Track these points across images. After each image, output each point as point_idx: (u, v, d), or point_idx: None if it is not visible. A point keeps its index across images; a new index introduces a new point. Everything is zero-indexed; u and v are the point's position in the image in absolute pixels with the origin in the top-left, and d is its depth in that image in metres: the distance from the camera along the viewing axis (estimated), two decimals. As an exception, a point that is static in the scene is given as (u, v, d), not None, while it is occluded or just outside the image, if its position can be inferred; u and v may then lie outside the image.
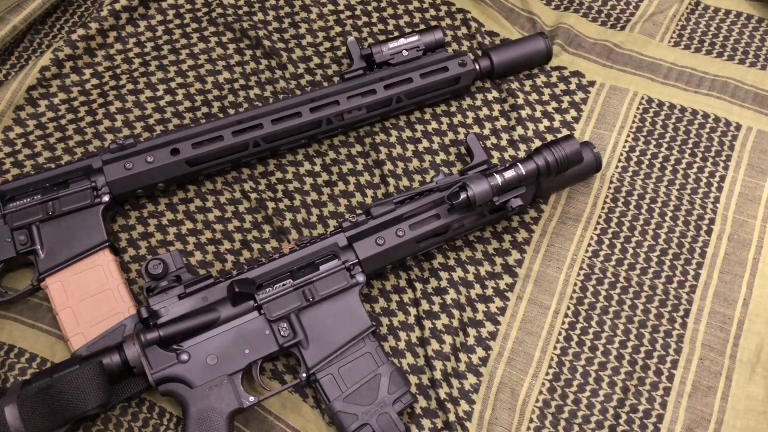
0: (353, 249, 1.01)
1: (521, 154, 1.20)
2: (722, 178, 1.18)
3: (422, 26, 1.33)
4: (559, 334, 1.07)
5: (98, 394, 0.88)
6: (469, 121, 1.23)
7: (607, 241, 1.14)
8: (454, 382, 1.03)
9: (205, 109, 1.24)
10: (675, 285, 1.10)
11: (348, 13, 1.34)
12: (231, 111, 1.24)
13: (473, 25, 1.32)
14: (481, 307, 1.09)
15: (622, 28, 1.33)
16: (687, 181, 1.18)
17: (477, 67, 1.21)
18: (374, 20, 1.33)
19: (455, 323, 1.06)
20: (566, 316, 1.08)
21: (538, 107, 1.24)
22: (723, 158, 1.20)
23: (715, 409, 1.01)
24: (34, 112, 1.20)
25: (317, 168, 1.20)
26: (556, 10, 1.36)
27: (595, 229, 1.15)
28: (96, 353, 0.92)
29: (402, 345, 1.06)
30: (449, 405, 1.01)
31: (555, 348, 1.06)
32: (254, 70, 1.28)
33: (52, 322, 1.05)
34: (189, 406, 0.92)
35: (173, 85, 1.25)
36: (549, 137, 1.22)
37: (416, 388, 1.03)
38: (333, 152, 1.21)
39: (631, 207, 1.16)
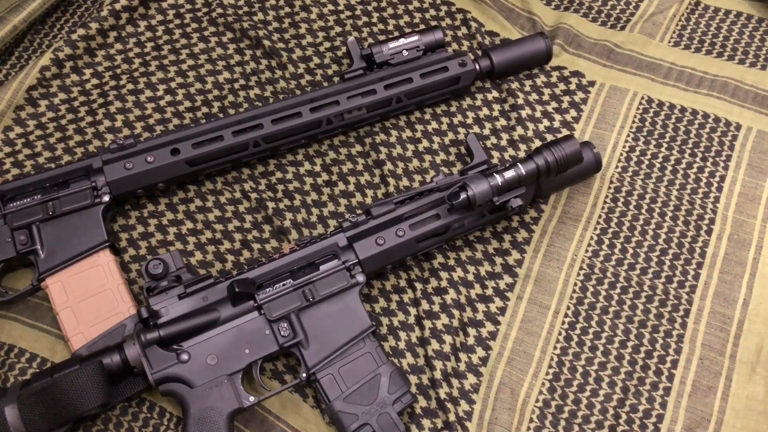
0: (353, 249, 1.01)
1: (521, 154, 1.20)
2: (722, 178, 1.18)
3: (422, 26, 1.33)
4: (559, 334, 1.07)
5: (98, 394, 0.88)
6: (469, 121, 1.23)
7: (607, 241, 1.14)
8: (454, 382, 1.03)
9: (205, 109, 1.24)
10: (675, 285, 1.10)
11: (348, 13, 1.34)
12: (231, 111, 1.24)
13: (473, 25, 1.32)
14: (481, 307, 1.09)
15: (622, 28, 1.33)
16: (687, 181, 1.18)
17: (477, 67, 1.21)
18: (374, 20, 1.34)
19: (455, 323, 1.06)
20: (566, 316, 1.08)
21: (538, 107, 1.24)
22: (723, 158, 1.20)
23: (715, 409, 1.02)
24: (34, 112, 1.20)
25: (317, 168, 1.20)
26: (556, 10, 1.36)
27: (595, 229, 1.15)
28: (96, 353, 0.92)
29: (402, 345, 1.06)
30: (449, 405, 1.01)
31: (555, 348, 1.06)
32: (254, 70, 1.28)
33: (53, 322, 1.05)
34: (189, 406, 0.92)
35: (173, 85, 1.25)
36: (549, 137, 1.22)
37: (416, 388, 1.03)
38: (333, 152, 1.21)
39: (631, 207, 1.16)
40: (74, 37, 1.24)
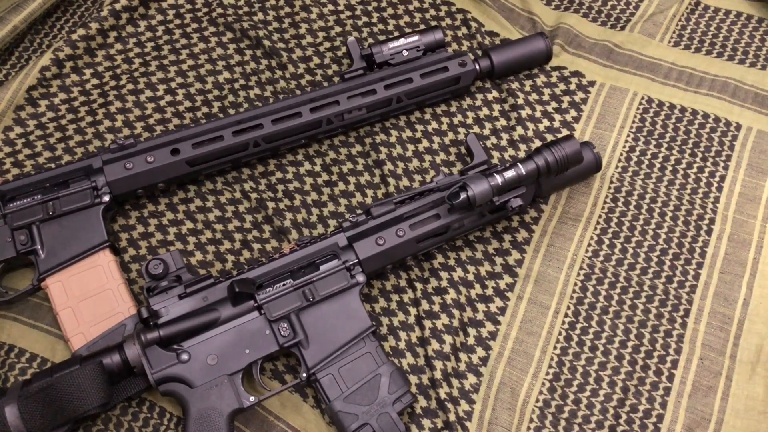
0: (353, 249, 1.01)
1: (521, 154, 1.20)
2: (722, 178, 1.18)
3: (422, 26, 1.33)
4: (559, 334, 1.07)
5: (98, 394, 0.88)
6: (469, 121, 1.23)
7: (607, 241, 1.14)
8: (454, 382, 1.03)
9: (205, 109, 1.24)
10: (675, 285, 1.10)
11: (348, 13, 1.34)
12: (231, 111, 1.24)
13: (473, 25, 1.32)
14: (481, 307, 1.09)
15: (622, 28, 1.33)
16: (687, 181, 1.18)
17: (477, 67, 1.21)
18: (374, 20, 1.34)
19: (455, 323, 1.06)
20: (566, 316, 1.08)
21: (538, 107, 1.24)
22: (723, 158, 1.20)
23: (715, 409, 1.02)
24: (34, 112, 1.20)
25: (317, 168, 1.20)
26: (556, 10, 1.36)
27: (595, 229, 1.15)
28: (96, 353, 0.92)
29: (402, 345, 1.06)
30: (449, 405, 1.01)
31: (555, 348, 1.06)
32: (254, 70, 1.28)
33: (53, 322, 1.05)
34: (189, 406, 0.92)
35: (173, 85, 1.25)
36: (549, 137, 1.22)
37: (416, 388, 1.03)
38: (333, 152, 1.21)
39: (631, 207, 1.16)
40: (74, 37, 1.24)
